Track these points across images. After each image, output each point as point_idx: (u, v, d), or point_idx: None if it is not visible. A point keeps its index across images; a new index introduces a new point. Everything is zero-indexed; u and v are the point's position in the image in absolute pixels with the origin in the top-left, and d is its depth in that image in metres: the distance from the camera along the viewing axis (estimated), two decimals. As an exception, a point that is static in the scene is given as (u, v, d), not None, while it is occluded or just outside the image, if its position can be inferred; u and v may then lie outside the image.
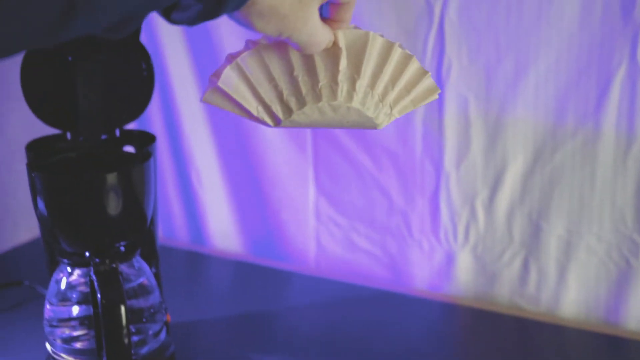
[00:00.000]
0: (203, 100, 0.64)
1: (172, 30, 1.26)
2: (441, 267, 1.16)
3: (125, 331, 0.81)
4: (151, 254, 1.02)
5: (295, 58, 0.62)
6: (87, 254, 0.87)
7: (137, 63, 0.97)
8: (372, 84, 0.63)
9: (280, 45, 0.61)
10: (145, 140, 0.97)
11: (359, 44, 0.62)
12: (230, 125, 1.27)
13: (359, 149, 1.17)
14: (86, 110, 0.93)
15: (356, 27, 0.65)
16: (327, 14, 0.64)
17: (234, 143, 1.28)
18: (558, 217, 1.06)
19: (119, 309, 0.81)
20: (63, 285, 0.90)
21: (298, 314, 1.09)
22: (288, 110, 0.62)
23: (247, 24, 0.59)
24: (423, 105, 0.66)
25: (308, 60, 0.62)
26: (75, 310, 0.90)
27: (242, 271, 1.24)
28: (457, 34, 1.05)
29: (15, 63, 1.16)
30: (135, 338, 0.90)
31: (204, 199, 1.34)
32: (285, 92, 0.62)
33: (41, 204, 0.83)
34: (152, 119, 1.34)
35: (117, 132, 1.00)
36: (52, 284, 0.92)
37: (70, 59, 0.90)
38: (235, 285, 1.21)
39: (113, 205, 0.82)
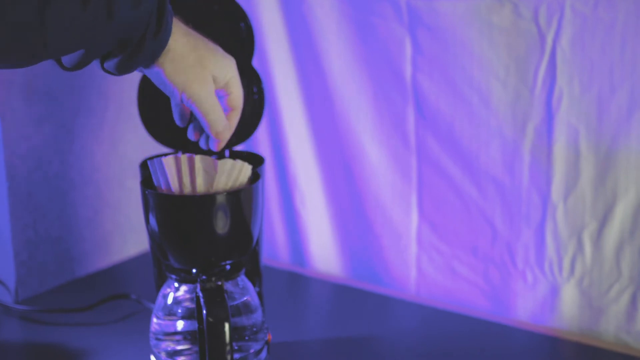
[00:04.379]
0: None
1: (282, 54, 1.29)
2: (545, 299, 1.13)
3: (228, 348, 0.83)
4: (255, 273, 1.04)
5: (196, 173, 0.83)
6: (194, 271, 0.89)
7: (248, 86, 0.99)
8: None
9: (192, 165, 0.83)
10: (254, 161, 0.99)
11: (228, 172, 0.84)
12: (336, 149, 1.28)
13: (464, 177, 1.16)
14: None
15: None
16: None
17: (338, 166, 1.29)
18: (669, 254, 1.03)
19: (224, 326, 0.82)
20: (170, 300, 0.93)
21: (396, 339, 1.08)
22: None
23: (160, 75, 0.76)
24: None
25: (205, 179, 0.83)
26: (180, 325, 0.92)
27: (342, 294, 1.24)
28: (569, 63, 1.03)
29: (131, 84, 1.20)
30: (237, 355, 0.91)
31: (306, 221, 1.35)
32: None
33: (152, 221, 0.86)
34: (259, 140, 1.36)
35: (227, 153, 1.02)
36: (159, 298, 0.94)
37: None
38: (334, 308, 1.22)
39: (222, 225, 0.84)
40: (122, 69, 0.75)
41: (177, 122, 0.85)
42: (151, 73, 0.78)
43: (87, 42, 0.70)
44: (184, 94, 0.78)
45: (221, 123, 0.82)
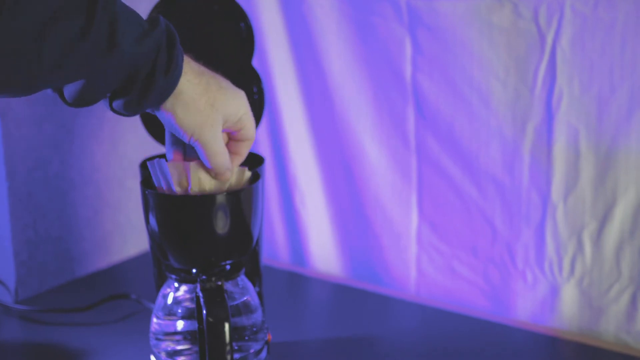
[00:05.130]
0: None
1: (282, 54, 1.29)
2: (545, 299, 1.13)
3: (228, 348, 0.83)
4: (255, 273, 1.04)
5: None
6: (194, 271, 0.89)
7: (248, 86, 0.99)
8: None
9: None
10: (254, 161, 0.99)
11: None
12: (336, 149, 1.28)
13: (464, 177, 1.16)
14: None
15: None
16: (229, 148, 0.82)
17: (338, 166, 1.29)
18: (669, 254, 1.03)
19: (224, 326, 0.82)
20: (170, 300, 0.93)
21: (396, 339, 1.08)
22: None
23: (169, 116, 0.75)
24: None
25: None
26: (180, 324, 0.92)
27: (342, 294, 1.24)
28: (569, 63, 1.03)
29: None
30: (237, 355, 0.91)
31: (306, 221, 1.35)
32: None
33: (152, 221, 0.86)
34: (259, 140, 1.36)
35: (227, 153, 1.02)
36: (159, 298, 0.94)
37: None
38: (334, 308, 1.22)
39: (221, 225, 0.84)
40: (130, 109, 0.74)
41: (169, 155, 0.84)
42: (161, 116, 0.77)
43: (88, 73, 0.69)
44: (192, 137, 0.78)
45: (224, 165, 0.81)
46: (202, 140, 0.78)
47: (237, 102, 0.80)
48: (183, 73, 0.74)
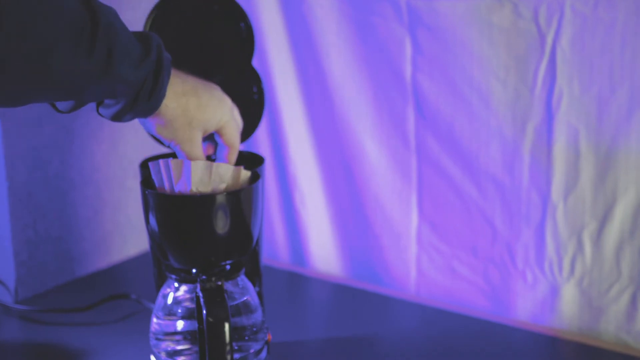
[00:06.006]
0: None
1: (282, 54, 1.29)
2: (545, 299, 1.13)
3: (228, 348, 0.83)
4: (255, 273, 1.04)
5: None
6: (194, 271, 0.89)
7: (248, 86, 0.99)
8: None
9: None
10: (255, 161, 0.99)
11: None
12: (336, 149, 1.28)
13: (464, 177, 1.16)
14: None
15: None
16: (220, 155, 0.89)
17: (338, 167, 1.29)
18: (669, 254, 1.03)
19: (224, 326, 0.82)
20: (170, 300, 0.93)
21: (396, 339, 1.08)
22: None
23: (150, 128, 0.82)
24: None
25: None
26: (180, 324, 0.92)
27: (342, 294, 1.24)
28: (569, 63, 1.03)
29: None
30: (237, 355, 0.91)
31: (306, 221, 1.35)
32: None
33: (152, 221, 0.86)
34: (259, 140, 1.36)
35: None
36: (159, 298, 0.94)
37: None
38: (334, 308, 1.22)
39: (221, 225, 0.84)
40: (115, 119, 0.79)
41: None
42: (144, 123, 0.82)
43: (82, 94, 0.73)
44: (172, 144, 0.83)
45: None
46: (180, 149, 0.83)
47: (217, 115, 0.84)
48: (165, 96, 0.79)
